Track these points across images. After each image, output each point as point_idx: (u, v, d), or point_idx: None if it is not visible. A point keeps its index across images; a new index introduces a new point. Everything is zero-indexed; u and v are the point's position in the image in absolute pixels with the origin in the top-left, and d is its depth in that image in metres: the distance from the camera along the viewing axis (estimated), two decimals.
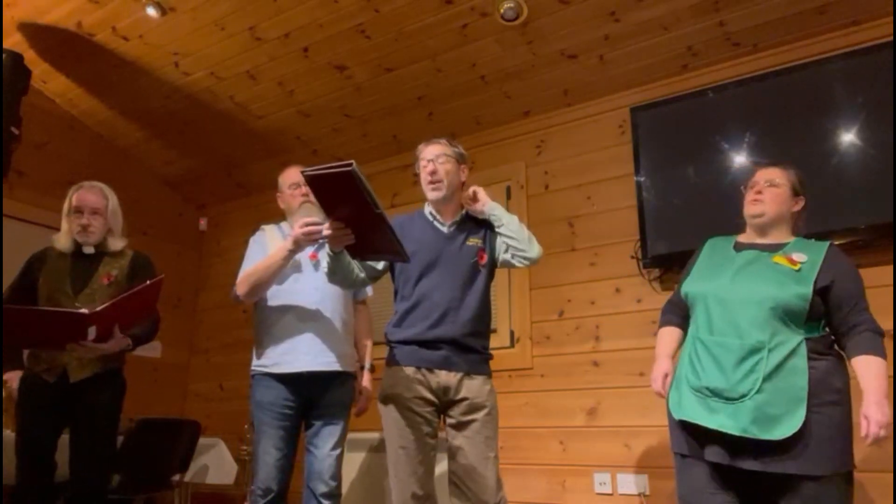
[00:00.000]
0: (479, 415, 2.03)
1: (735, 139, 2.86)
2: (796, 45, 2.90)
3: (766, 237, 1.98)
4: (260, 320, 2.49)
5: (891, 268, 2.55)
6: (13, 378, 2.52)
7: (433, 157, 2.17)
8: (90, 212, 2.53)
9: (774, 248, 1.93)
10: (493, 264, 2.20)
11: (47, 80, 3.89)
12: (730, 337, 1.80)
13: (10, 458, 2.68)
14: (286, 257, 2.30)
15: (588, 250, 3.27)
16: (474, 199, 2.19)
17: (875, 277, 2.58)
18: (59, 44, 3.58)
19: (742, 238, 2.05)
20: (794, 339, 1.77)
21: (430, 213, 2.22)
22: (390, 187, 4.01)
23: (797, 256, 1.87)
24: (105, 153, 4.35)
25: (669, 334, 2.07)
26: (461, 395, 2.04)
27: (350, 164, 1.63)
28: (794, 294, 1.78)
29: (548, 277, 3.34)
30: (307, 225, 2.21)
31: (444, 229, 2.19)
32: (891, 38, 2.62)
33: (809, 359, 1.75)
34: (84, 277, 2.50)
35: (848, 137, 2.63)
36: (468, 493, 1.97)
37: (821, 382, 1.74)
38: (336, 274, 2.08)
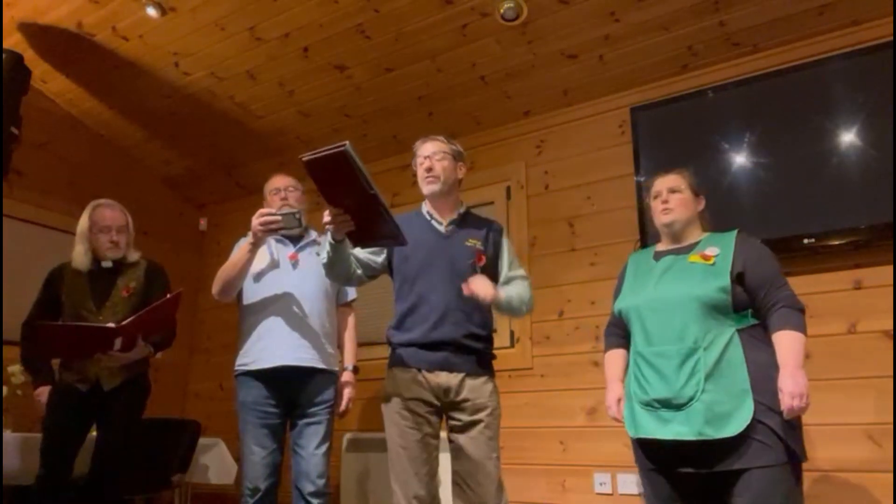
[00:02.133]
0: (482, 415, 2.02)
1: (735, 139, 2.86)
2: (796, 45, 2.90)
3: (680, 241, 2.05)
4: (240, 319, 2.53)
5: (891, 268, 2.55)
6: (44, 392, 2.63)
7: (430, 153, 2.17)
8: (117, 229, 2.66)
9: (689, 249, 1.99)
10: (493, 269, 2.18)
11: (47, 80, 3.89)
12: (666, 344, 1.85)
13: (9, 459, 2.69)
14: (250, 251, 2.35)
15: (588, 250, 3.26)
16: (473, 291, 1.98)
17: (875, 277, 2.58)
18: (59, 44, 3.58)
19: (660, 247, 2.11)
20: (726, 332, 1.82)
21: (428, 213, 2.21)
22: (390, 187, 4.00)
23: (710, 251, 1.93)
24: (105, 153, 4.35)
25: (615, 357, 2.12)
26: (462, 396, 2.03)
27: (343, 145, 1.65)
28: (714, 288, 1.83)
29: (548, 277, 3.33)
30: (263, 215, 2.25)
31: (442, 228, 2.18)
32: (891, 38, 2.62)
33: (747, 350, 1.79)
34: (104, 292, 2.62)
35: (848, 137, 2.62)
36: (470, 494, 1.97)
37: (763, 374, 1.77)
38: (335, 265, 2.06)
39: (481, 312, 2.12)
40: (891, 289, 2.53)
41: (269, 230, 2.29)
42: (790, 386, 1.70)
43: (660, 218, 2.06)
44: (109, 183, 4.23)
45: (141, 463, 3.05)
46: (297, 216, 2.27)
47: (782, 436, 1.71)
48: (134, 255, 2.73)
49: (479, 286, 1.98)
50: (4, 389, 3.13)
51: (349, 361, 2.64)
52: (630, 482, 2.87)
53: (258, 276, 2.47)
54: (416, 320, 2.07)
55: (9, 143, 3.13)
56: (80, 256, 2.63)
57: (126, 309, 2.58)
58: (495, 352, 2.20)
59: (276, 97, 3.75)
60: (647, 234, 2.99)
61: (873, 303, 2.57)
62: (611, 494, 2.92)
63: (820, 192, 2.63)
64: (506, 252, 2.24)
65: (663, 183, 2.07)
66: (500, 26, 3.05)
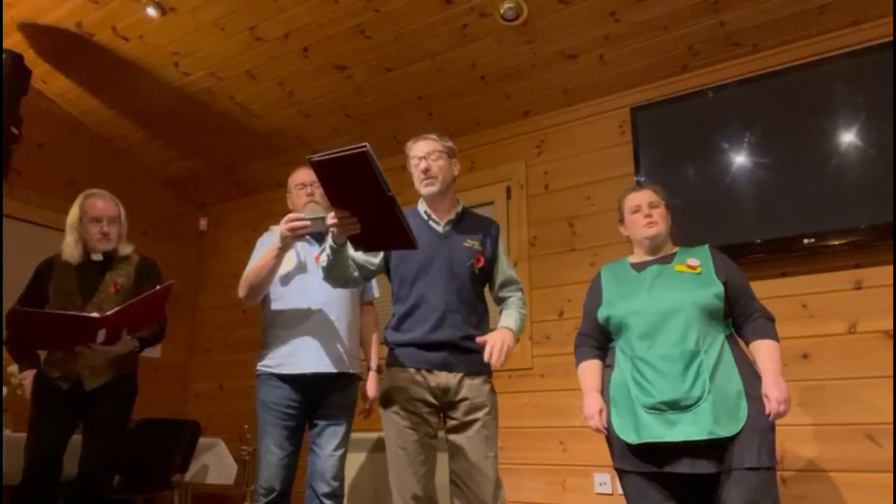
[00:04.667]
0: (480, 414, 2.00)
1: (735, 139, 2.86)
2: (796, 45, 2.90)
3: (657, 253, 2.11)
4: (266, 321, 2.50)
5: (891, 268, 2.55)
6: (27, 376, 2.57)
7: (424, 154, 2.14)
8: (108, 220, 2.57)
9: (668, 260, 2.07)
10: (490, 269, 2.17)
11: (47, 80, 3.89)
12: (669, 348, 1.90)
13: (9, 458, 2.69)
14: (277, 256, 2.31)
15: (588, 250, 3.26)
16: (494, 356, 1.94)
17: (875, 277, 2.59)
18: (59, 44, 3.58)
19: (633, 259, 2.16)
20: (719, 337, 1.92)
21: (425, 213, 2.20)
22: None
23: (692, 261, 2.03)
24: (105, 153, 4.35)
25: (592, 368, 2.11)
26: (461, 396, 2.02)
27: (364, 146, 1.63)
28: (711, 294, 1.92)
29: (548, 277, 3.33)
30: (291, 220, 2.21)
31: (440, 229, 2.16)
32: (891, 38, 2.62)
33: (735, 355, 1.90)
34: (92, 286, 2.54)
35: (848, 137, 2.62)
36: (468, 493, 1.96)
37: (749, 379, 1.86)
38: (334, 268, 2.05)
39: (478, 314, 2.12)
40: (891, 289, 2.53)
41: (298, 236, 2.25)
42: (775, 392, 1.79)
43: (643, 231, 2.10)
44: (109, 183, 4.18)
45: (141, 463, 3.05)
46: (325, 219, 2.23)
47: (768, 439, 1.79)
48: (126, 249, 2.63)
49: (496, 350, 1.92)
50: (4, 389, 3.13)
51: (373, 361, 2.62)
52: None
53: (285, 279, 2.44)
54: (416, 321, 2.06)
55: (9, 143, 3.12)
56: (69, 247, 2.54)
57: (113, 305, 2.47)
58: None
59: (276, 97, 3.75)
60: None
61: (873, 303, 2.57)
62: (611, 494, 2.92)
63: (820, 192, 2.63)
64: (502, 253, 2.24)
65: (642, 198, 2.13)
66: (500, 26, 3.05)
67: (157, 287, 2.34)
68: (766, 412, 1.79)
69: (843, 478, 2.49)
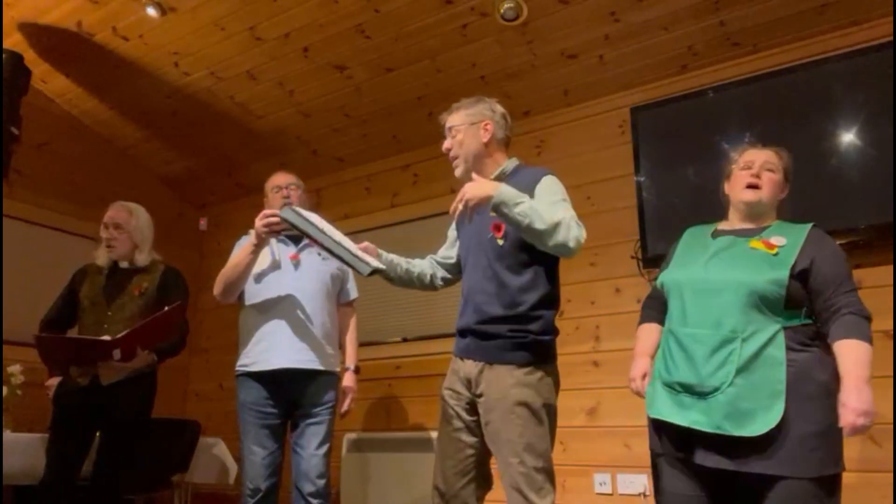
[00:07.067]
0: (492, 415, 1.81)
1: (735, 139, 2.86)
2: (796, 45, 2.90)
3: (750, 223, 1.85)
4: (242, 320, 2.53)
5: (891, 268, 2.55)
6: (52, 385, 2.67)
7: (447, 130, 2.06)
8: (113, 226, 2.70)
9: (753, 233, 1.80)
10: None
11: (47, 80, 3.89)
12: (703, 328, 1.69)
13: (9, 459, 2.70)
14: (252, 252, 2.35)
15: (588, 250, 3.26)
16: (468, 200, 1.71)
17: (875, 277, 2.58)
18: (59, 44, 3.58)
19: (722, 226, 1.92)
20: (770, 327, 1.65)
21: None
22: (390, 187, 4.00)
23: (776, 240, 1.75)
24: (105, 153, 4.35)
25: (648, 331, 1.96)
26: (479, 390, 1.85)
27: (281, 209, 1.90)
28: (768, 280, 1.65)
29: None
30: (266, 217, 2.26)
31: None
32: (891, 38, 2.62)
33: (789, 349, 1.64)
34: (117, 289, 2.66)
35: (848, 137, 2.62)
36: None
37: (801, 375, 1.61)
38: (400, 284, 2.09)
39: (507, 291, 1.86)
40: (891, 289, 2.53)
41: (273, 231, 2.29)
42: (854, 402, 1.53)
43: (741, 193, 1.83)
44: (109, 183, 4.23)
45: (141, 463, 3.04)
46: (299, 213, 2.26)
47: (813, 446, 1.57)
48: (145, 258, 2.74)
49: (471, 190, 1.69)
50: (4, 389, 3.13)
51: (350, 362, 2.63)
52: (630, 482, 2.88)
53: (259, 277, 2.47)
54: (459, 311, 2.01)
55: (9, 143, 3.13)
56: (101, 251, 2.73)
57: (134, 307, 2.60)
58: None
59: (276, 97, 3.75)
60: (646, 234, 2.99)
61: (873, 303, 2.53)
62: (611, 494, 2.92)
63: (820, 193, 2.63)
64: (541, 196, 1.85)
65: (759, 155, 1.87)
66: (500, 26, 3.05)
67: (166, 308, 2.43)
68: (841, 424, 1.54)
69: (844, 478, 2.47)
